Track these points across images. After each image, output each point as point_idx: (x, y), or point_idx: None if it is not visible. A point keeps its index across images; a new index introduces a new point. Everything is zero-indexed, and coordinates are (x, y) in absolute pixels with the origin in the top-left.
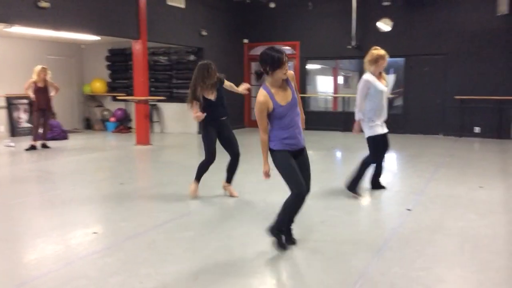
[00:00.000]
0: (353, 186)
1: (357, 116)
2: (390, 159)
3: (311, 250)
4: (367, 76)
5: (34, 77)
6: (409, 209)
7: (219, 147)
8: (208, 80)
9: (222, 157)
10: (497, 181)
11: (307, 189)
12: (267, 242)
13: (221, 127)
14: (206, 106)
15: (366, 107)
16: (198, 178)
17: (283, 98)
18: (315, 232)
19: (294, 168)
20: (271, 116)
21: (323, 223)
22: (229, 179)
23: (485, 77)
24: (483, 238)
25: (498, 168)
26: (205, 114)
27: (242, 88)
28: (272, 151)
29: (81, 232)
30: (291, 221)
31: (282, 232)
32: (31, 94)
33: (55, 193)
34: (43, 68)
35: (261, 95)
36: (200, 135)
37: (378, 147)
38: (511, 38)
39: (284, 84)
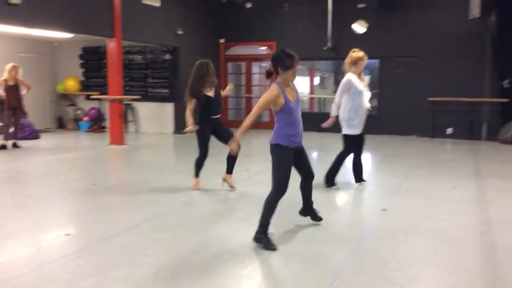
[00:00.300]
0: (330, 179)
1: (334, 112)
2: (365, 160)
3: (288, 252)
4: (350, 76)
5: (5, 75)
6: (384, 209)
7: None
8: (208, 77)
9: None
10: (469, 181)
11: (311, 174)
12: (242, 243)
13: (216, 125)
14: (205, 103)
15: (346, 106)
16: (197, 174)
17: (292, 95)
18: (291, 234)
19: (290, 168)
20: (282, 112)
21: (299, 224)
22: (229, 170)
23: (456, 79)
24: (457, 238)
25: (471, 169)
26: (197, 127)
27: (227, 90)
28: (277, 146)
29: (53, 234)
30: (310, 202)
31: (267, 233)
32: (1, 92)
33: (27, 193)
34: (14, 66)
35: (275, 88)
36: (176, 135)
37: (352, 145)
38: (481, 41)
39: (291, 84)
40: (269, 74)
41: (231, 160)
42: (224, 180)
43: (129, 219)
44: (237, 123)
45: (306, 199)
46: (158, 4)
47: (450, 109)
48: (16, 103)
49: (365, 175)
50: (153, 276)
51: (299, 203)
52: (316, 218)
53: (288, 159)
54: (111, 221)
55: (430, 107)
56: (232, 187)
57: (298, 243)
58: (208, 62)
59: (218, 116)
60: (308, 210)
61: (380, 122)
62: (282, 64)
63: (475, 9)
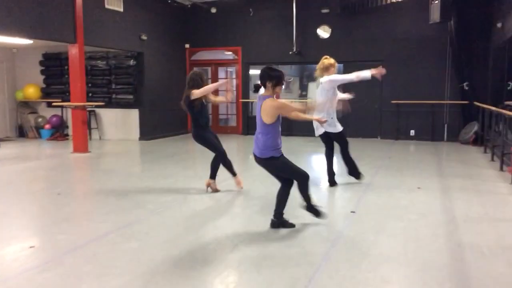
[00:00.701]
0: (355, 173)
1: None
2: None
3: (260, 257)
4: (328, 77)
5: None
6: (353, 212)
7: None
8: (204, 86)
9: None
10: (433, 181)
11: (292, 181)
12: (214, 249)
13: (209, 131)
14: (200, 109)
15: (331, 108)
16: (213, 176)
17: None
18: (263, 238)
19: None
20: (275, 124)
21: (271, 228)
22: (213, 176)
23: (419, 82)
24: (424, 238)
25: (434, 169)
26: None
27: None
28: (275, 158)
29: (16, 247)
30: (282, 212)
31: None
32: None
33: None
34: None
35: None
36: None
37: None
38: (442, 45)
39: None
40: (257, 88)
41: (216, 166)
42: (208, 185)
43: (95, 229)
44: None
45: (279, 207)
46: (121, 9)
47: (412, 111)
48: None
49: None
50: (122, 287)
51: (269, 208)
52: (287, 225)
53: (287, 159)
54: (77, 231)
55: (393, 110)
56: (216, 191)
57: (271, 247)
58: (202, 72)
59: (208, 122)
60: (280, 219)
61: (345, 125)
62: (274, 80)
63: (435, 14)
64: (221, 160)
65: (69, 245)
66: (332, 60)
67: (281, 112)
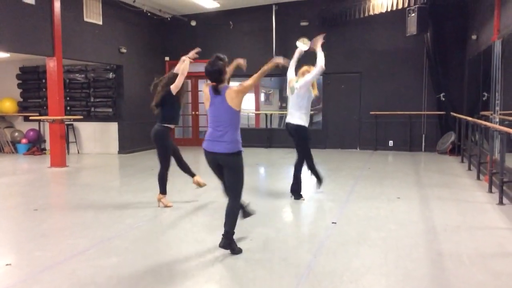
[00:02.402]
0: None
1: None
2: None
3: (242, 270)
4: (301, 80)
5: None
6: (334, 222)
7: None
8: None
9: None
10: (412, 191)
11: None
12: (195, 264)
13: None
14: (177, 105)
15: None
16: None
17: None
18: (244, 251)
19: None
20: (238, 115)
21: (252, 241)
22: (163, 190)
23: (396, 94)
24: (405, 247)
25: (412, 179)
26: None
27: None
28: (240, 153)
29: None
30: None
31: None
32: None
33: None
34: None
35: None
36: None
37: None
38: (419, 57)
39: None
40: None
41: (162, 180)
42: (159, 200)
43: (74, 245)
44: (185, 141)
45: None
46: (100, 22)
47: (390, 122)
48: None
49: (311, 193)
50: None
51: (250, 219)
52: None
53: None
54: (55, 248)
55: (372, 121)
56: (167, 206)
57: (253, 260)
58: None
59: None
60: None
61: (324, 136)
62: (224, 71)
63: (412, 27)
64: (162, 173)
65: (47, 262)
66: (308, 67)
67: (246, 90)
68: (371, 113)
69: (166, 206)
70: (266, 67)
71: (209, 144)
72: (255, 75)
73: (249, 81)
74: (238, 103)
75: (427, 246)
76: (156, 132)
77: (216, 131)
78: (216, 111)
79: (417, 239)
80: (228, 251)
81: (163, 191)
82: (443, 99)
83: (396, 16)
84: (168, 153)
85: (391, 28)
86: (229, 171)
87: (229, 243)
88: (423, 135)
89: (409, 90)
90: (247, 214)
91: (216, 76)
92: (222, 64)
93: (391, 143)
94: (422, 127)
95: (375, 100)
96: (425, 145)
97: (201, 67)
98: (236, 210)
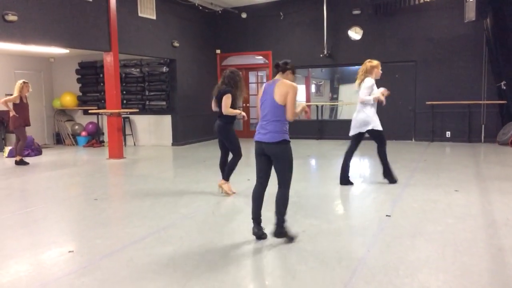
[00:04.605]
0: (389, 176)
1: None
2: (366, 166)
3: (294, 261)
4: (361, 91)
5: (17, 92)
6: (388, 215)
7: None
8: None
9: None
10: (471, 184)
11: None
12: (248, 254)
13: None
14: (232, 105)
15: (372, 107)
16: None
17: None
18: (296, 243)
19: None
20: (282, 109)
21: (304, 232)
22: (226, 177)
23: (454, 83)
24: (463, 242)
25: (471, 172)
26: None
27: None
28: (287, 142)
29: (55, 252)
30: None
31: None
32: (11, 109)
33: (27, 211)
34: (26, 82)
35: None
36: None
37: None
38: (478, 44)
39: None
40: (277, 67)
41: (229, 167)
42: (220, 186)
43: (131, 233)
44: (238, 133)
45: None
46: (154, 17)
47: (447, 112)
48: (28, 120)
49: (364, 186)
50: None
51: (302, 211)
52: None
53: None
54: (114, 236)
55: (428, 111)
56: (227, 193)
57: (305, 252)
58: (238, 73)
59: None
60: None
61: None
62: (293, 70)
63: (470, 12)
64: (235, 161)
65: (106, 249)
66: (375, 62)
67: (292, 96)
68: (427, 103)
69: (227, 193)
70: (297, 110)
71: (257, 134)
72: (292, 107)
73: (291, 106)
74: (282, 101)
75: (487, 241)
76: (219, 127)
77: (263, 121)
78: (266, 101)
79: (476, 233)
80: (281, 241)
81: (226, 178)
82: (504, 87)
83: (453, 2)
84: (236, 143)
85: (448, 14)
86: (275, 160)
87: (281, 232)
88: (483, 126)
89: (468, 79)
90: (284, 235)
91: (280, 68)
92: (291, 65)
93: (448, 134)
94: (481, 117)
95: (430, 90)
96: (485, 136)
97: (251, 59)
98: (286, 198)
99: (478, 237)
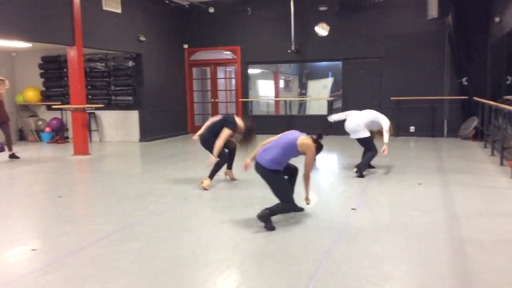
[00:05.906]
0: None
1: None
2: (333, 161)
3: (262, 255)
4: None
5: None
6: (354, 209)
7: None
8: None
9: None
10: (434, 177)
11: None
12: (215, 249)
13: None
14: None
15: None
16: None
17: None
18: (263, 237)
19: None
20: (295, 156)
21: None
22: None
23: (417, 79)
24: (426, 234)
25: (434, 165)
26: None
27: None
28: (279, 171)
29: (19, 249)
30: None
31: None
32: None
33: None
34: (2, 80)
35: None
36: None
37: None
38: (440, 41)
39: None
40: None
41: (217, 168)
42: (226, 174)
43: (97, 230)
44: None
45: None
46: (119, 10)
47: (411, 107)
48: (6, 117)
49: (330, 180)
50: None
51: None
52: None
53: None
54: (79, 233)
55: (393, 106)
56: (233, 179)
57: (272, 245)
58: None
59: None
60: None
61: (343, 122)
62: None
63: (433, 10)
64: (223, 163)
65: (71, 246)
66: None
67: (308, 153)
68: (392, 98)
69: (204, 189)
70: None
71: (257, 155)
72: (309, 164)
73: (310, 163)
74: (301, 151)
75: (449, 233)
76: (204, 139)
77: (268, 147)
78: (282, 140)
79: (439, 225)
80: (249, 236)
81: (211, 176)
82: (466, 83)
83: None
84: (223, 151)
85: (411, 11)
86: (267, 183)
87: (266, 217)
88: (445, 121)
89: (431, 75)
90: (265, 221)
91: (317, 137)
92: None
93: (412, 129)
94: (444, 112)
95: (395, 86)
96: (448, 131)
97: (219, 54)
98: (284, 207)
99: (441, 228)
